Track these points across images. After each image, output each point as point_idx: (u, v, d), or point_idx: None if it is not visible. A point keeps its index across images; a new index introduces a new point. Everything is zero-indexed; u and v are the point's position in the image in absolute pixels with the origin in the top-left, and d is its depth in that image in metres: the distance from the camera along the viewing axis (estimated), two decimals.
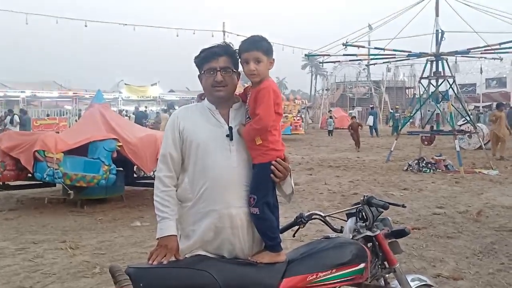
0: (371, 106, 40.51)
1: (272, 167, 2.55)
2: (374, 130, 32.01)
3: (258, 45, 2.58)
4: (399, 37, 16.60)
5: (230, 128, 2.61)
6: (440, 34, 14.82)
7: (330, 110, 41.26)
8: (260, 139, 2.53)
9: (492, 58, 20.24)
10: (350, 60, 21.72)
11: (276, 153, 2.58)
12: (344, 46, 16.01)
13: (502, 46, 14.97)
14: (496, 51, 16.01)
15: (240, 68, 2.71)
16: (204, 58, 2.65)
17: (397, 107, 39.52)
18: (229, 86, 2.66)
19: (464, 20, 15.03)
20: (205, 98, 2.77)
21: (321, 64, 60.64)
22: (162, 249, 2.47)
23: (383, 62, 20.11)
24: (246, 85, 2.75)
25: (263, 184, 2.56)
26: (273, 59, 2.65)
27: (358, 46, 16.94)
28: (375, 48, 16.18)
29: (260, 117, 2.48)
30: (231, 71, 2.65)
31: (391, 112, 36.79)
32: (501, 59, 19.99)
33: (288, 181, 2.68)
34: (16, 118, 26.13)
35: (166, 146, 2.66)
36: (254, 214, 2.53)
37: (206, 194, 2.54)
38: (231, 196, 2.53)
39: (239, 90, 2.80)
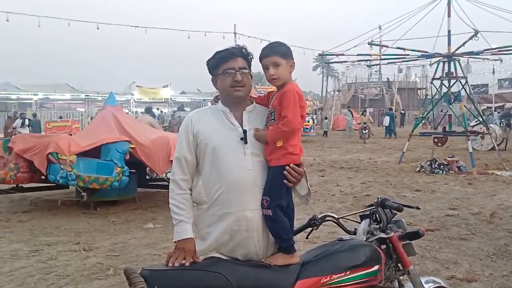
0: (389, 108, 39.99)
1: (285, 172, 2.55)
2: (389, 132, 31.89)
3: (275, 50, 2.64)
4: (407, 38, 16.53)
5: (244, 131, 2.62)
6: (474, 33, 14.62)
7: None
8: (281, 141, 2.55)
9: (494, 60, 20.12)
10: (358, 61, 21.65)
11: (293, 157, 2.59)
12: (370, 45, 15.97)
13: None
14: (505, 52, 15.89)
15: (253, 71, 2.74)
16: (222, 59, 2.67)
17: (391, 107, 39.06)
18: (247, 86, 2.69)
19: (466, 19, 14.90)
20: (219, 101, 2.78)
21: (328, 64, 60.39)
22: (181, 252, 2.47)
23: (388, 63, 20.05)
24: (257, 87, 2.78)
25: (277, 187, 2.56)
26: (293, 62, 2.68)
27: (383, 46, 16.91)
28: (397, 48, 16.08)
29: (289, 119, 2.51)
30: (247, 72, 2.69)
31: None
32: (501, 61, 19.86)
33: (302, 183, 2.68)
34: (26, 120, 26.46)
35: (180, 149, 2.66)
36: (267, 216, 2.54)
37: (221, 197, 2.54)
38: (247, 199, 2.54)
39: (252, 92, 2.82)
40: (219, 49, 2.74)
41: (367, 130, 28.07)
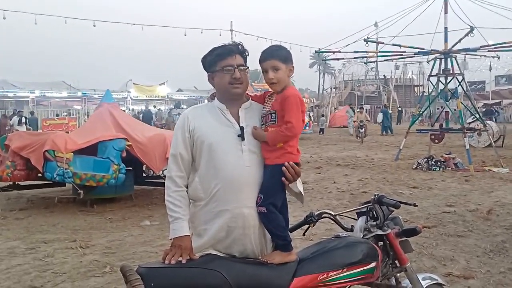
0: (384, 105, 40.03)
1: (284, 168, 2.55)
2: (385, 128, 32.00)
3: (275, 54, 2.64)
4: (403, 35, 16.52)
5: (242, 128, 2.62)
6: (469, 30, 14.60)
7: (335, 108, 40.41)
8: (281, 143, 2.56)
9: (491, 56, 20.13)
10: (354, 58, 21.62)
11: (292, 156, 2.59)
12: (366, 42, 15.95)
13: None
14: (502, 48, 15.92)
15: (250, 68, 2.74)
16: (220, 56, 2.66)
17: (385, 104, 38.79)
18: (245, 83, 2.69)
19: (463, 16, 14.90)
20: (215, 98, 2.78)
21: (325, 62, 60.21)
22: (177, 249, 2.46)
23: (384, 60, 20.02)
24: (253, 84, 2.77)
25: (274, 185, 2.56)
26: (293, 67, 2.69)
27: (378, 42, 16.89)
28: (394, 44, 16.07)
29: (293, 125, 2.53)
30: (245, 69, 2.69)
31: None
32: (498, 58, 19.88)
33: (296, 182, 2.68)
34: (23, 118, 26.37)
35: (176, 146, 2.66)
36: (261, 213, 2.54)
37: (218, 194, 2.54)
38: (244, 196, 2.53)
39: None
40: (216, 46, 2.73)
41: (364, 129, 25.97)
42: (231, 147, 2.58)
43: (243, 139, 2.60)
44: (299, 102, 2.59)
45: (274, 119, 2.60)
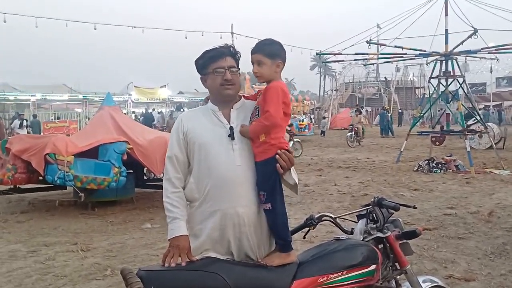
0: (382, 107, 40.04)
1: (277, 156, 2.55)
2: (383, 131, 32.02)
3: (262, 48, 2.68)
4: (404, 36, 16.54)
5: (231, 128, 2.66)
6: (473, 32, 14.59)
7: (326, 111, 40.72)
8: (264, 136, 2.57)
9: (490, 58, 20.13)
10: (355, 60, 21.61)
11: (279, 146, 2.58)
12: (368, 44, 15.96)
13: None
14: (502, 50, 15.92)
15: (242, 70, 2.77)
16: (212, 58, 2.71)
17: (386, 107, 38.77)
18: (236, 85, 2.75)
19: (464, 17, 14.89)
20: (209, 100, 2.82)
21: (325, 64, 60.15)
22: (175, 250, 2.48)
23: (385, 62, 20.02)
24: (254, 86, 2.80)
25: (270, 179, 2.57)
26: (281, 62, 2.70)
27: (380, 44, 16.91)
28: (395, 46, 16.08)
29: (270, 113, 2.54)
30: (236, 71, 2.74)
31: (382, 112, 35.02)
32: (497, 60, 19.88)
33: (290, 172, 2.67)
34: (24, 121, 26.23)
35: (171, 148, 2.71)
36: (268, 210, 2.56)
37: (211, 193, 2.57)
38: (237, 194, 2.56)
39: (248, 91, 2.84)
40: (208, 49, 2.78)
41: (352, 132, 24.26)
42: (222, 147, 2.62)
43: (233, 138, 2.63)
44: (280, 92, 2.60)
45: (258, 113, 2.64)
